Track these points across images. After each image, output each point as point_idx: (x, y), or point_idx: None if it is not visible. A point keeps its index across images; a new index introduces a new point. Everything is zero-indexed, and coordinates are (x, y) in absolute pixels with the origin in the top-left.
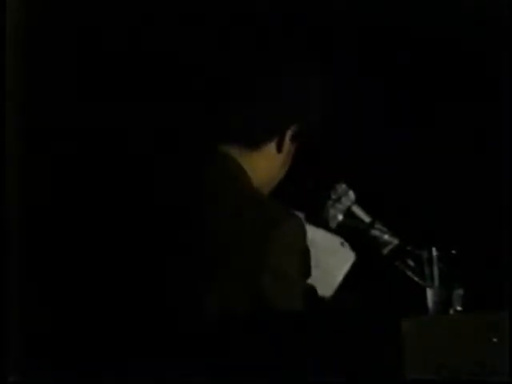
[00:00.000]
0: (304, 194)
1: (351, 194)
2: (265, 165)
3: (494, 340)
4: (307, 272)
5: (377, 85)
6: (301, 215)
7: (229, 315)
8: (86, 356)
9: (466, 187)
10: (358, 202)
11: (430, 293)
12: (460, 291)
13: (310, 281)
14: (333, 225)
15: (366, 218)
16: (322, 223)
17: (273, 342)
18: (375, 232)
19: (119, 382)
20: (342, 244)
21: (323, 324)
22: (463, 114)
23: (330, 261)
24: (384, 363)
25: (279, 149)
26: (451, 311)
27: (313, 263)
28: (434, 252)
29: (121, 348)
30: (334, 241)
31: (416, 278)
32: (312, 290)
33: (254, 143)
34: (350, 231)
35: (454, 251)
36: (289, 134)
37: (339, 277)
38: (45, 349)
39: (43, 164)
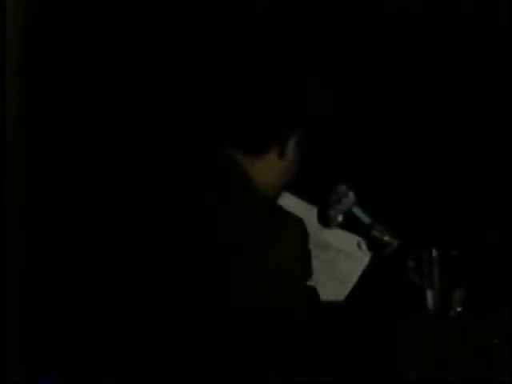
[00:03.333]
0: (304, 194)
1: (351, 195)
2: (268, 170)
3: (495, 340)
4: (309, 274)
5: (376, 85)
6: (314, 209)
7: (230, 315)
8: (86, 356)
9: (465, 187)
10: (358, 202)
11: (429, 293)
12: (460, 292)
13: (321, 289)
14: (333, 226)
15: (366, 219)
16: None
17: (273, 343)
18: (375, 233)
19: (119, 382)
20: (359, 245)
21: (323, 324)
22: (463, 115)
23: (344, 266)
24: (384, 363)
25: (281, 155)
26: (451, 312)
27: (326, 271)
28: (434, 253)
29: (121, 348)
30: (351, 242)
31: (416, 279)
32: (313, 291)
33: (255, 149)
34: (350, 232)
35: (454, 252)
36: (292, 140)
37: (351, 283)
38: (45, 349)
39: (43, 162)
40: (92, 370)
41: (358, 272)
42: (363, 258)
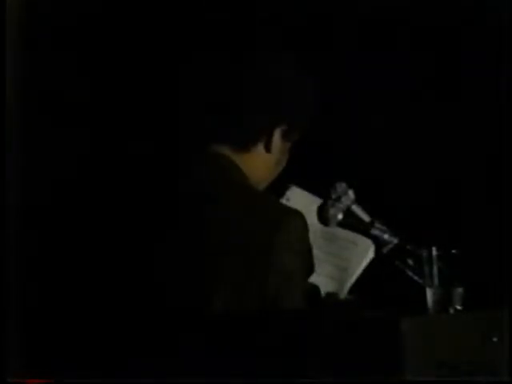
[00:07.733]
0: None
1: (351, 194)
2: (257, 164)
3: (494, 339)
4: (310, 270)
5: (376, 83)
6: (318, 201)
7: (232, 314)
8: (86, 356)
9: (465, 187)
10: (358, 201)
11: (429, 292)
12: (460, 290)
13: (325, 278)
14: (333, 224)
15: (366, 218)
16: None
17: (273, 341)
18: (375, 231)
19: (120, 382)
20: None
21: (323, 324)
22: (463, 114)
23: (349, 255)
24: (384, 363)
25: (268, 148)
26: (451, 310)
27: (331, 261)
28: (434, 251)
29: (121, 348)
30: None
31: (416, 278)
32: (314, 288)
33: (242, 144)
34: (349, 230)
35: (453, 250)
36: (277, 133)
37: (356, 273)
38: (45, 349)
39: (43, 163)
40: (92, 370)
41: (364, 262)
42: (369, 246)
